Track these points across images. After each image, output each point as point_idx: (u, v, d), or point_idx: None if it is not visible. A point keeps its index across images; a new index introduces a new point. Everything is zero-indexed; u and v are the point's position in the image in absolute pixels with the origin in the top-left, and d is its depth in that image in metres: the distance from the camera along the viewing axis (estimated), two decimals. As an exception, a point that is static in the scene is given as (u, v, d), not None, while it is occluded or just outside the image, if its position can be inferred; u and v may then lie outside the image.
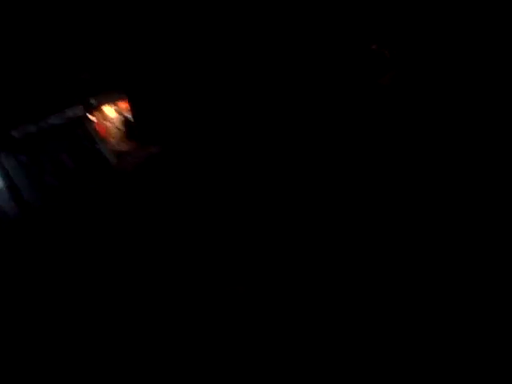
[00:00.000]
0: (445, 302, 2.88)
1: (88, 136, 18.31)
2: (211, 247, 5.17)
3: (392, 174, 4.84)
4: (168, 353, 3.04)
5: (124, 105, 21.96)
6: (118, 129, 20.82)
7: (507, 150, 4.16)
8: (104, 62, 20.84)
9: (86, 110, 18.65)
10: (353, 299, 3.22)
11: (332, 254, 3.93)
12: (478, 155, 4.35)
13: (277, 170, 6.88)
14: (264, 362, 2.62)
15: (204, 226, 5.78)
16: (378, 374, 2.39)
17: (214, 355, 2.82)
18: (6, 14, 15.35)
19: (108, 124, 20.56)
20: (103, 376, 2.88)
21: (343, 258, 3.79)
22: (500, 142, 4.21)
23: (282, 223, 5.03)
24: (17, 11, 15.70)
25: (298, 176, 6.21)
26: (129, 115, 21.01)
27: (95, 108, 19.35)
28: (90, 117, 19.04)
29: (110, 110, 21.06)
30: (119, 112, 21.48)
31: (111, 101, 20.73)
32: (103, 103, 20.04)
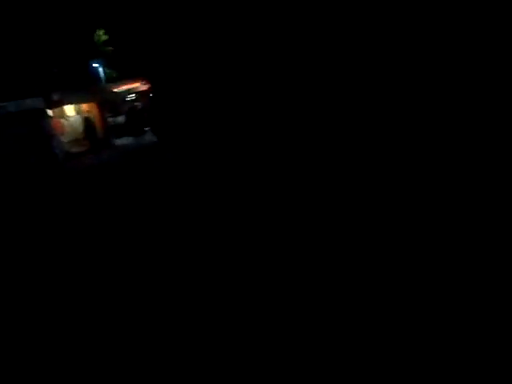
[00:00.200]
0: (445, 302, 2.88)
1: (42, 129, 18.08)
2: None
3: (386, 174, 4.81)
4: (165, 352, 2.96)
5: (85, 106, 21.97)
6: (75, 128, 20.71)
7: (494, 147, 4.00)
8: (80, 58, 20.93)
9: (47, 103, 18.50)
10: (353, 299, 3.21)
11: (332, 253, 3.89)
12: (465, 153, 4.22)
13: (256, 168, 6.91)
14: (264, 362, 2.63)
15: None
16: (378, 374, 2.39)
17: (214, 355, 2.79)
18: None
19: (65, 122, 20.41)
20: (103, 376, 2.80)
21: (343, 258, 3.75)
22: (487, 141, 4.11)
23: (273, 222, 4.89)
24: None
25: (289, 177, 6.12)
26: (90, 116, 21.01)
27: (56, 104, 19.23)
28: (49, 111, 18.87)
29: (70, 109, 20.98)
30: (79, 112, 21.44)
31: (73, 100, 20.69)
32: (65, 101, 19.97)
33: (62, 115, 20.46)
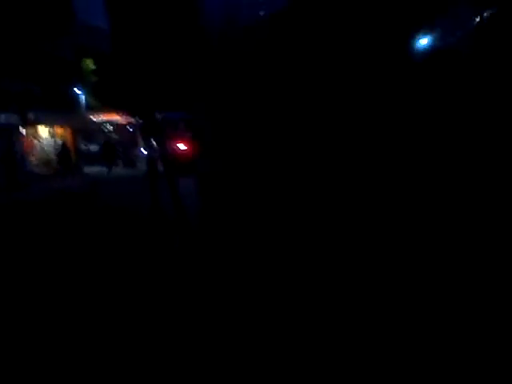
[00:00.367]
0: (445, 302, 2.88)
1: (11, 146, 17.42)
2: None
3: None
4: (163, 352, 2.84)
5: (59, 130, 21.61)
6: (46, 151, 20.16)
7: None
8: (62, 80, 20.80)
9: (22, 121, 18.04)
10: (353, 299, 3.21)
11: (332, 253, 3.84)
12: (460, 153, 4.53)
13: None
14: (264, 362, 2.59)
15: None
16: (378, 374, 2.36)
17: (214, 355, 2.73)
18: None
19: (37, 143, 19.87)
20: (103, 375, 2.69)
21: (343, 258, 3.73)
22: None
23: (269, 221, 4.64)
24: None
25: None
26: (65, 141, 20.63)
27: (30, 123, 18.80)
28: (22, 129, 18.38)
29: (44, 130, 20.50)
30: (52, 135, 21.02)
31: (48, 121, 20.32)
32: (40, 122, 19.58)
33: (36, 136, 19.95)
